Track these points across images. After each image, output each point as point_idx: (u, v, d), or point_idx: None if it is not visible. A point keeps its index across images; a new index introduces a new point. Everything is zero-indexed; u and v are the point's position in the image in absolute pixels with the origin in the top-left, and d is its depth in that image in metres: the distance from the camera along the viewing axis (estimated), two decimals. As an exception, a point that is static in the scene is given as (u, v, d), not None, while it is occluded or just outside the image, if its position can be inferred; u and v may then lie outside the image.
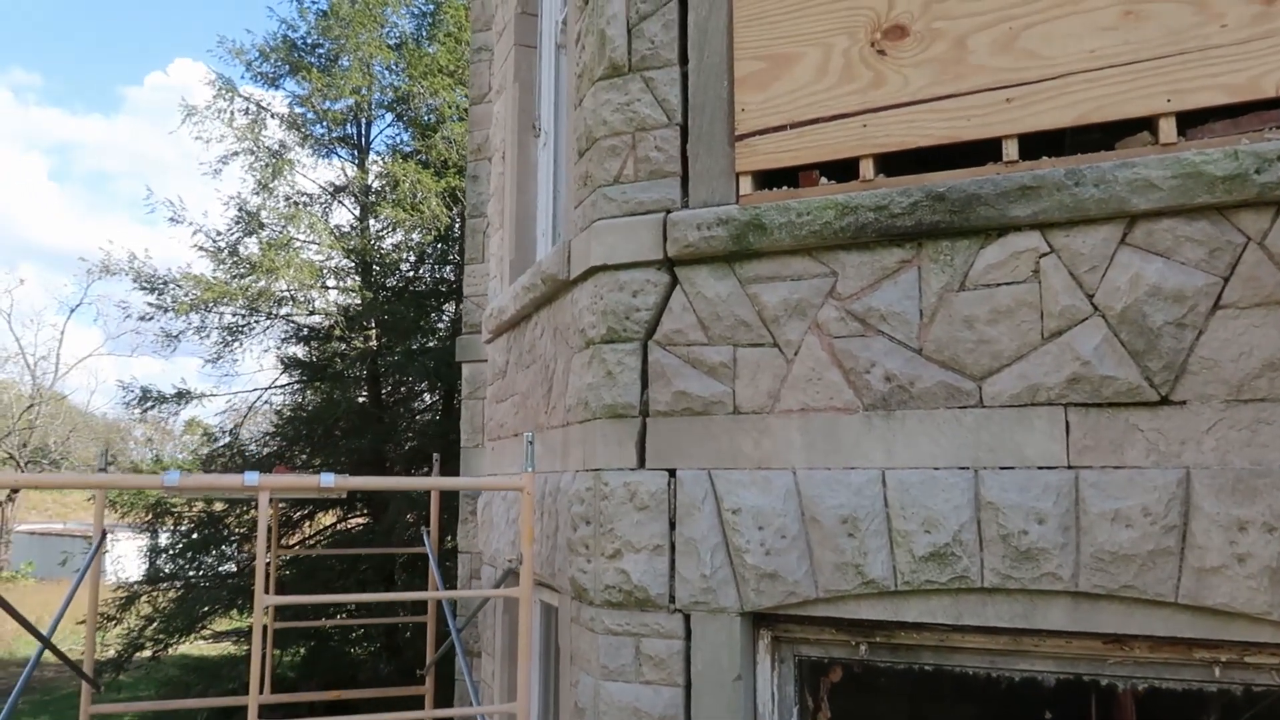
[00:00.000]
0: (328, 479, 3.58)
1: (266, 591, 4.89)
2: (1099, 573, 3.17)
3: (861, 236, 3.58)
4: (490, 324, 5.98)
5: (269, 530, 6.42)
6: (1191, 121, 3.28)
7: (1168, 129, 3.26)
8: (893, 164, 3.69)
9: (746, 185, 3.86)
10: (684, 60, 4.03)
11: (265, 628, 6.29)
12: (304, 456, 19.70)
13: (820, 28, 3.78)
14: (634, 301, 3.95)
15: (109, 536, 8.60)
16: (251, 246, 19.17)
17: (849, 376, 3.59)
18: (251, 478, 3.46)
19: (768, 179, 3.87)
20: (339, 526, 19.01)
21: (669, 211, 3.95)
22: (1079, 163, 3.34)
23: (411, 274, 20.64)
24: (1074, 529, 3.22)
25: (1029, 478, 3.29)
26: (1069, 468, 3.26)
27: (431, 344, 20.56)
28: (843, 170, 3.76)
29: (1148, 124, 3.32)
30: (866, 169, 3.67)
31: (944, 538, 3.36)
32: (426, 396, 20.65)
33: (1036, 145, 3.48)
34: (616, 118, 4.08)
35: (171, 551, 16.61)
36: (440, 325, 20.36)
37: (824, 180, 3.78)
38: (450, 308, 20.43)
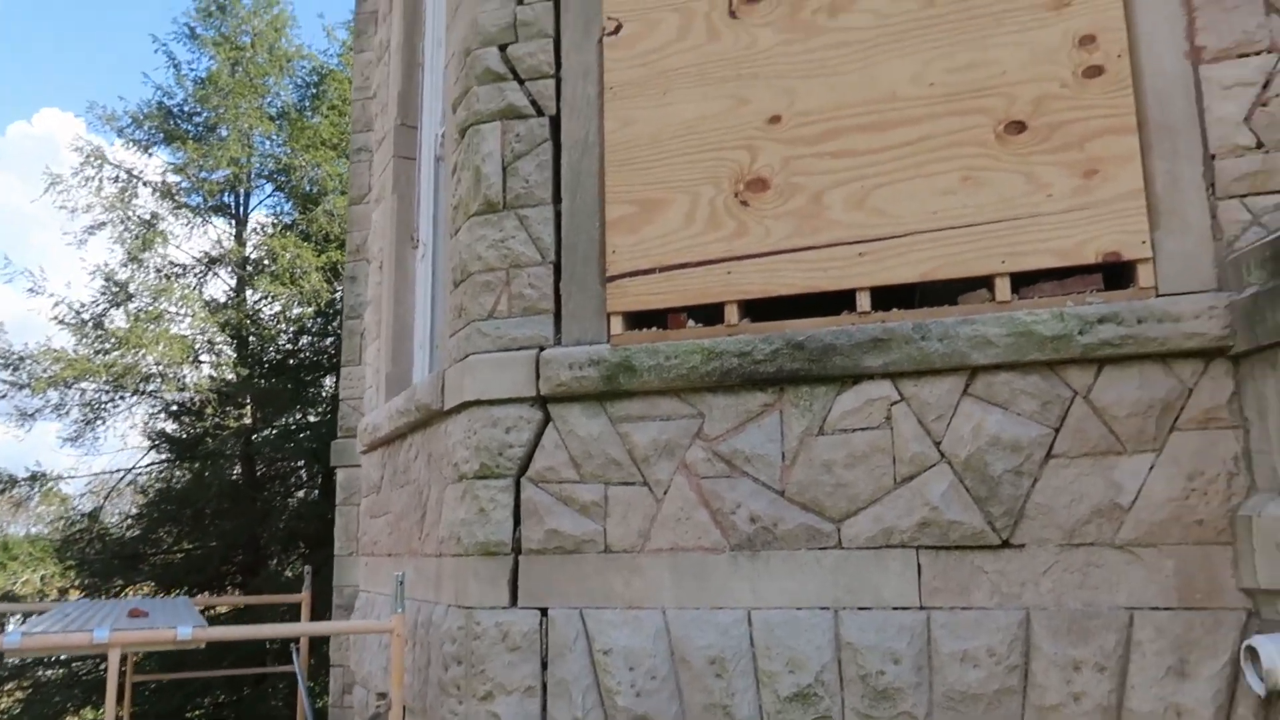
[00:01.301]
0: (185, 631, 3.44)
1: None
2: (950, 711, 3.32)
3: (727, 380, 3.71)
4: (365, 438, 5.89)
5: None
6: (1025, 281, 3.55)
7: (1003, 288, 3.52)
8: (757, 309, 3.85)
9: (618, 325, 3.95)
10: (558, 199, 4.14)
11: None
12: (170, 539, 18.74)
13: (688, 176, 3.95)
14: (507, 438, 3.97)
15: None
16: (118, 319, 18.35)
17: (716, 517, 3.69)
18: (101, 634, 3.30)
19: (638, 319, 3.98)
20: (208, 614, 18.06)
21: (542, 348, 4.01)
22: (926, 317, 3.57)
23: (290, 347, 20.08)
24: (927, 669, 3.36)
25: (885, 618, 3.43)
26: (921, 608, 3.41)
27: (313, 417, 19.97)
28: (710, 313, 3.90)
29: (987, 282, 3.57)
30: (731, 314, 3.82)
31: (807, 678, 3.45)
32: (304, 473, 19.94)
33: (889, 297, 3.70)
34: (491, 254, 4.14)
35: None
36: (321, 398, 19.83)
37: (692, 322, 3.91)
38: (331, 381, 19.94)
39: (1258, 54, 3.36)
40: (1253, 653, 2.95)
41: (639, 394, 3.84)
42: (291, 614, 14.77)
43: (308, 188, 19.55)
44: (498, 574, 3.90)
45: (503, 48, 4.30)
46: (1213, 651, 3.12)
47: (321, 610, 8.10)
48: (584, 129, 4.13)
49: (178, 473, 19.56)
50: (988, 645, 3.31)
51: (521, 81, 4.25)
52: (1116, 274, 3.48)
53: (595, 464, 3.86)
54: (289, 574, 19.20)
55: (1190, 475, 3.23)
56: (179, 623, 3.80)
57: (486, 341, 4.09)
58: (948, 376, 3.50)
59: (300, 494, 19.66)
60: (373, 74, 7.12)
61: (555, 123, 4.19)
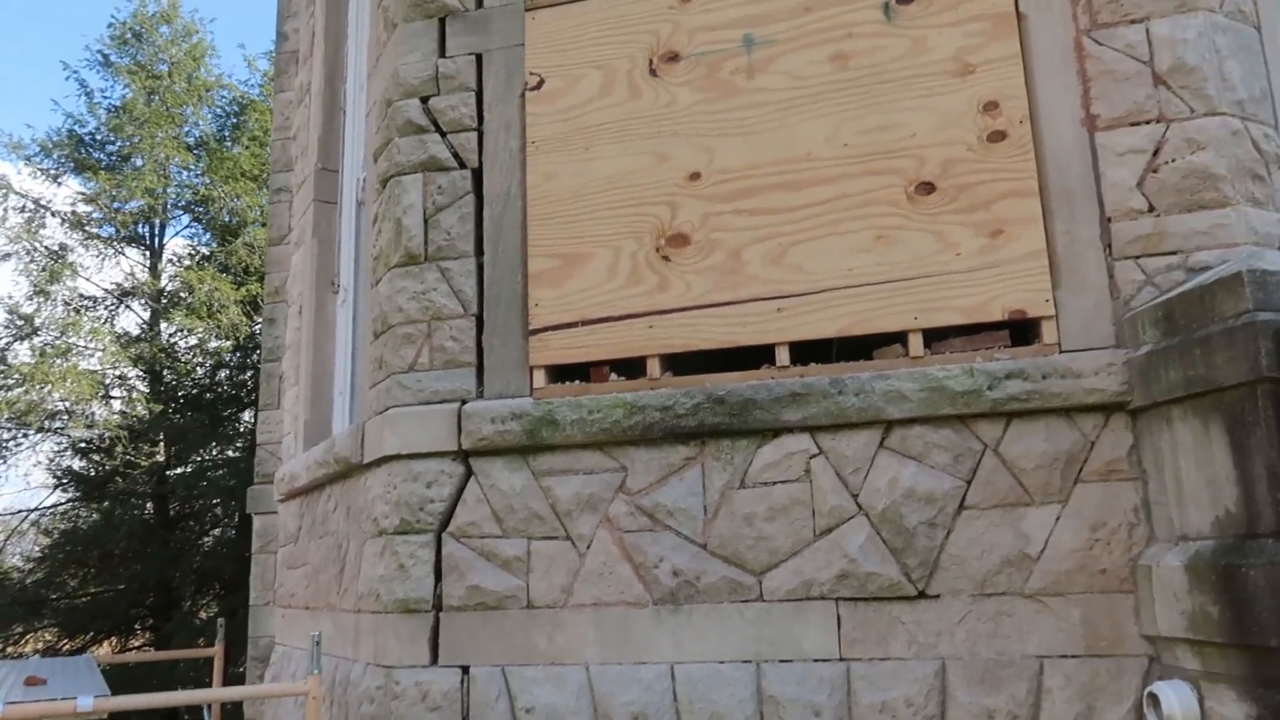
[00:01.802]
0: (85, 702, 3.29)
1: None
2: (871, 763, 3.36)
3: (649, 434, 3.73)
4: (283, 488, 5.75)
5: None
6: (937, 336, 3.66)
7: (916, 344, 3.62)
8: (679, 362, 3.89)
9: (540, 378, 3.95)
10: (480, 252, 4.13)
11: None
12: (75, 582, 17.97)
13: (609, 230, 3.99)
14: (428, 492, 3.92)
15: None
16: (23, 354, 17.63)
17: (639, 571, 3.69)
18: (-7, 709, 3.14)
19: (561, 372, 3.99)
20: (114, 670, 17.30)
21: (464, 401, 3.98)
22: (843, 371, 3.65)
23: (207, 381, 19.53)
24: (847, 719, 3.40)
25: (806, 670, 3.47)
26: (841, 660, 3.46)
27: (231, 453, 19.39)
28: (633, 366, 3.92)
29: (901, 337, 3.67)
30: (654, 368, 3.85)
31: (730, 733, 3.47)
32: (219, 511, 19.29)
33: (807, 350, 3.77)
34: (413, 306, 4.11)
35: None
36: (239, 433, 19.28)
37: (615, 376, 3.93)
38: (249, 416, 19.41)
39: (1148, 123, 3.54)
40: (1154, 699, 3.06)
41: (562, 448, 3.84)
42: (205, 667, 14.25)
43: (227, 218, 19.14)
44: (418, 632, 3.84)
45: (424, 100, 4.30)
46: (1118, 698, 3.23)
47: (237, 660, 7.84)
48: (506, 182, 4.15)
49: (85, 512, 18.81)
50: (905, 695, 3.37)
51: (444, 134, 4.24)
52: (1022, 330, 3.61)
53: (518, 518, 3.84)
54: (203, 615, 18.56)
55: (1094, 526, 3.35)
56: (80, 689, 3.64)
57: (407, 395, 4.05)
58: (864, 430, 3.58)
59: (216, 533, 19.05)
60: (293, 114, 7.03)
61: (478, 175, 4.19)
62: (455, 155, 4.23)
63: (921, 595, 3.44)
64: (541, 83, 4.19)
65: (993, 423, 3.49)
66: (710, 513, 3.67)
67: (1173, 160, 3.49)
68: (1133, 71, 3.58)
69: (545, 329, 3.98)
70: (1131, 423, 3.38)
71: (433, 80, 4.31)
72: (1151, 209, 3.49)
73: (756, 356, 3.81)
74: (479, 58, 4.29)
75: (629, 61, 4.10)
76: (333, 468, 4.68)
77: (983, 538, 3.43)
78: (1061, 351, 3.48)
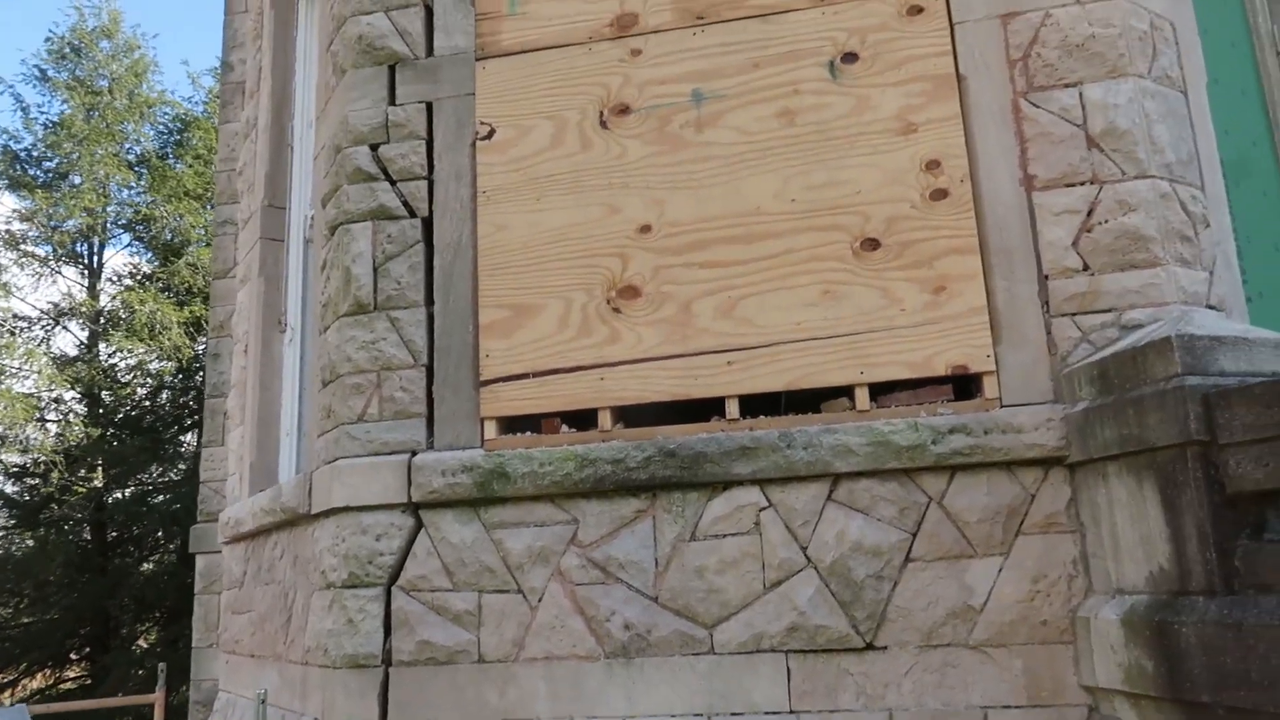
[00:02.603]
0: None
1: None
2: (820, 815, 3.40)
3: (601, 487, 3.75)
4: (227, 531, 5.66)
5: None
6: (882, 389, 3.74)
7: (863, 397, 3.69)
8: (630, 414, 3.92)
9: (491, 430, 3.95)
10: (430, 301, 4.12)
11: None
12: (8, 613, 17.42)
13: (560, 282, 4.00)
14: (377, 545, 3.89)
15: None
16: (-49, 378, 17.12)
17: (591, 624, 3.70)
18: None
19: (512, 423, 3.99)
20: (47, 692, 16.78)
21: (414, 453, 3.96)
22: (792, 424, 3.70)
23: (148, 403, 19.09)
24: (797, 773, 3.44)
25: (757, 724, 3.50)
26: (791, 712, 3.50)
27: (173, 476, 18.97)
28: (584, 418, 3.94)
29: (848, 391, 3.74)
30: (605, 420, 3.87)
31: (682, 787, 3.48)
32: (161, 536, 18.82)
33: (757, 401, 3.82)
34: (362, 355, 4.09)
35: None
36: (181, 455, 18.88)
37: (566, 427, 3.94)
38: (192, 438, 19.00)
39: (1082, 184, 3.67)
40: (1093, 750, 3.15)
41: (513, 500, 3.84)
42: (145, 716, 13.89)
43: (169, 238, 18.78)
44: (367, 687, 3.80)
45: (374, 147, 4.28)
46: (1058, 747, 3.32)
47: (178, 708, 7.64)
48: (457, 232, 4.15)
49: (18, 539, 18.26)
50: (853, 748, 3.42)
51: (394, 182, 4.23)
52: (965, 384, 3.70)
53: (469, 572, 3.82)
54: (142, 643, 18.08)
55: (1035, 578, 3.44)
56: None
57: (356, 446, 4.02)
58: (813, 483, 3.63)
59: (155, 559, 18.59)
60: (239, 147, 6.94)
61: (428, 224, 4.19)
62: (405, 204, 4.22)
63: (869, 647, 3.50)
64: (492, 132, 4.20)
65: (937, 476, 3.57)
66: (662, 565, 3.69)
67: (1105, 221, 3.61)
68: (1067, 134, 3.70)
69: (496, 380, 3.98)
70: (1070, 477, 3.48)
71: (382, 128, 4.30)
72: (1086, 268, 3.61)
73: (707, 408, 3.85)
74: (429, 106, 4.29)
75: (580, 113, 4.13)
76: (279, 516, 4.62)
77: (928, 590, 3.50)
78: (1002, 406, 3.58)
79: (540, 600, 3.76)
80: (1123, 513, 3.22)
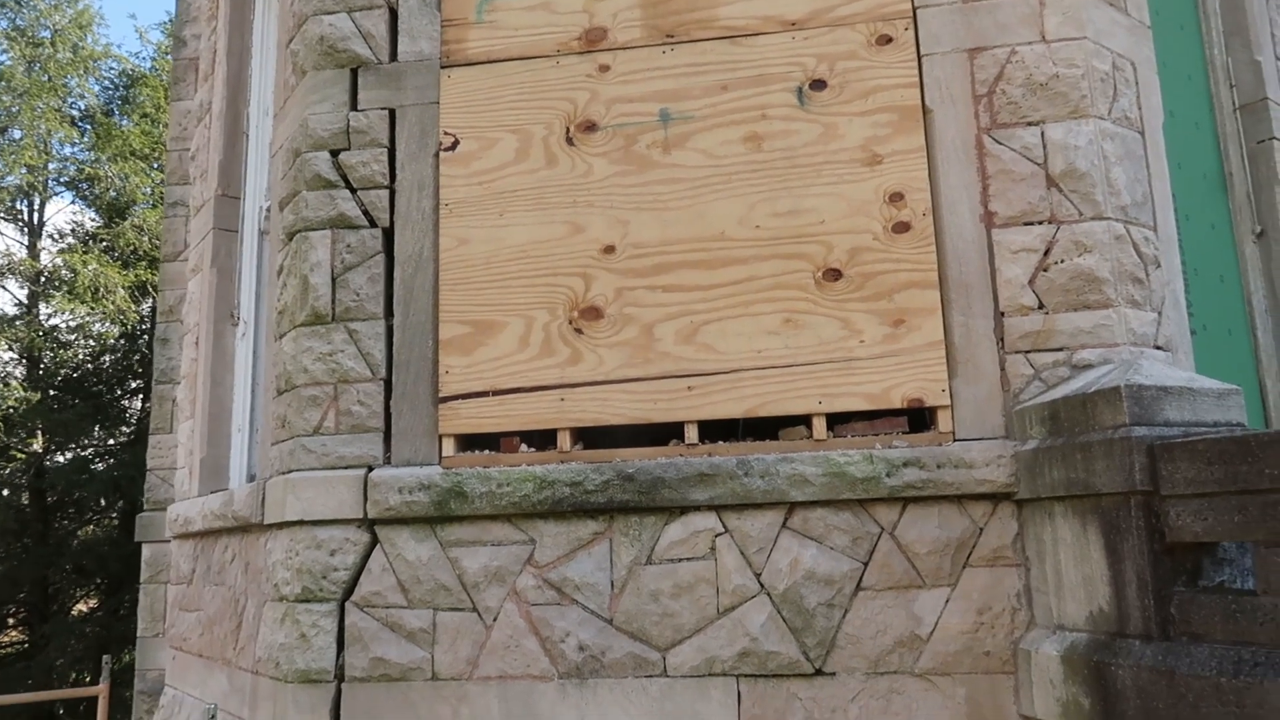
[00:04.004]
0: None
1: None
2: (766, 836, 3.49)
3: (559, 508, 3.76)
4: (176, 528, 5.58)
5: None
6: (839, 419, 3.79)
7: (820, 427, 3.74)
8: (590, 435, 3.93)
9: (450, 447, 3.94)
10: (390, 314, 4.08)
11: None
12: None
13: (523, 300, 3.98)
14: (332, 560, 3.87)
15: None
16: (-119, 339, 16.58)
17: (545, 645, 3.73)
18: None
19: (471, 440, 3.97)
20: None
21: (371, 468, 3.93)
22: (749, 451, 3.74)
23: (90, 365, 18.64)
24: (745, 795, 3.52)
25: (707, 746, 3.57)
26: (741, 735, 3.58)
27: (116, 440, 18.59)
28: (544, 437, 3.94)
29: (806, 419, 3.79)
30: (564, 441, 3.87)
31: (632, 808, 3.55)
32: (103, 500, 18.46)
33: (715, 426, 3.85)
34: (319, 367, 4.04)
35: None
36: (126, 420, 18.51)
37: (525, 447, 3.94)
38: (138, 404, 18.63)
39: (1040, 223, 3.73)
40: (1029, 780, 3.27)
41: (470, 519, 3.84)
42: (89, 709, 13.71)
43: (115, 198, 18.24)
44: (319, 703, 3.80)
45: (335, 153, 4.20)
46: (996, 774, 3.43)
47: (122, 698, 7.54)
48: (419, 244, 4.10)
49: (-48, 506, 17.83)
50: (800, 771, 3.51)
51: (354, 190, 4.16)
52: (920, 416, 3.76)
53: (424, 589, 3.83)
54: (82, 608, 17.80)
55: (980, 609, 3.54)
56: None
57: (312, 459, 3.98)
58: (769, 511, 3.69)
59: (96, 525, 18.26)
60: (192, 128, 6.75)
61: (389, 235, 4.13)
62: (366, 213, 4.15)
63: (819, 673, 3.58)
64: (456, 143, 4.14)
65: (890, 507, 3.64)
66: (617, 588, 3.73)
67: (1062, 261, 3.68)
68: (1028, 173, 3.75)
69: (455, 397, 3.96)
70: (1018, 512, 3.57)
71: (343, 133, 4.21)
72: (1041, 306, 3.68)
73: (667, 431, 3.87)
74: (392, 113, 4.21)
75: (545, 128, 4.09)
76: (231, 523, 4.57)
77: (877, 618, 3.59)
78: (956, 440, 3.65)
79: (495, 619, 3.78)
80: (1067, 552, 3.32)
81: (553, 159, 4.06)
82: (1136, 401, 3.13)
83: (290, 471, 4.00)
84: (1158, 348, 3.74)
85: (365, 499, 3.88)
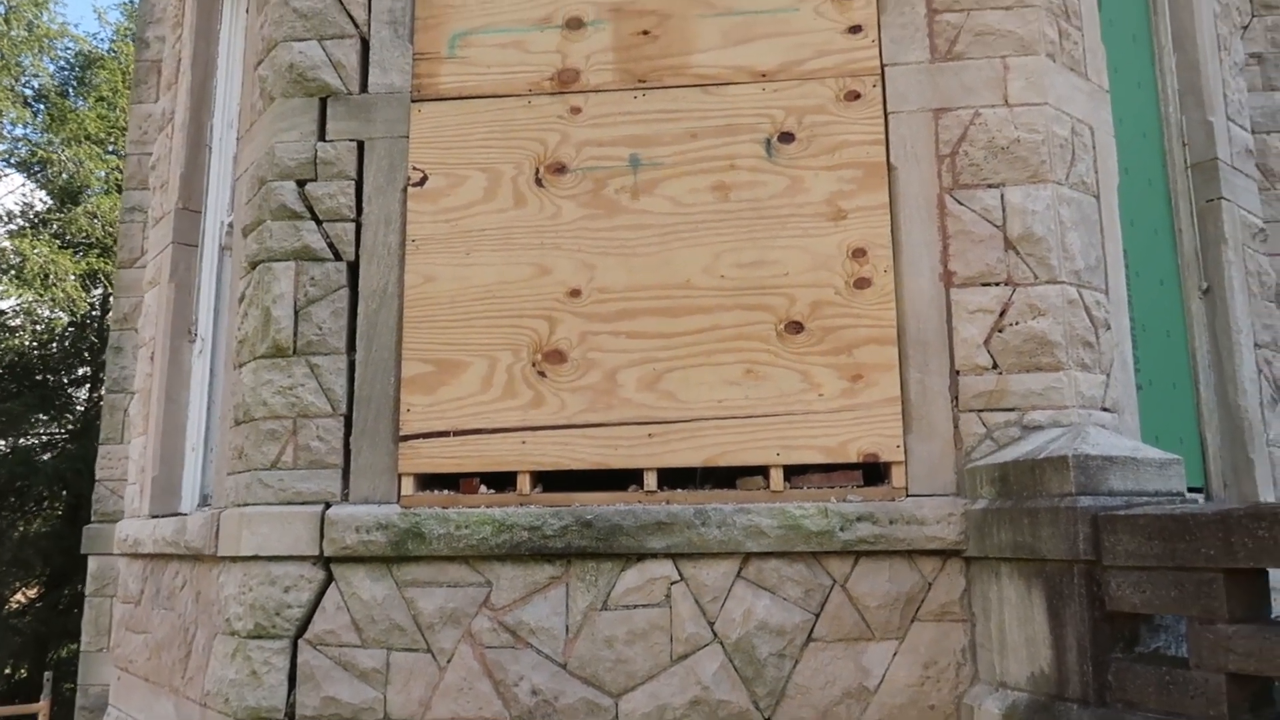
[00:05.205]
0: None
1: None
2: None
3: (516, 552, 3.78)
4: (125, 547, 5.50)
5: None
6: (797, 470, 3.85)
7: (778, 478, 3.80)
8: (550, 478, 3.95)
9: (409, 486, 3.93)
10: (352, 349, 4.06)
11: None
12: None
13: (487, 340, 3.99)
14: (285, 597, 3.85)
15: None
16: None
17: (499, 688, 3.75)
18: None
19: (430, 480, 3.97)
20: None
21: (328, 504, 3.92)
22: (707, 500, 3.79)
23: (37, 354, 18.21)
24: (692, 841, 3.57)
25: (656, 792, 3.61)
26: (690, 782, 3.62)
27: (59, 429, 18.19)
28: (504, 479, 3.95)
29: (763, 470, 3.84)
30: (524, 484, 3.89)
31: None
32: (45, 492, 18.04)
33: (674, 473, 3.89)
34: (278, 401, 4.01)
35: None
36: (72, 409, 18.11)
37: (485, 488, 3.95)
38: (85, 394, 18.25)
39: (997, 285, 3.82)
40: (968, 834, 3.35)
41: (427, 559, 3.84)
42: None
43: (66, 179, 17.80)
44: (269, 741, 3.78)
45: (301, 184, 4.17)
46: (937, 826, 3.52)
47: (62, 697, 7.40)
48: (383, 279, 4.08)
49: (-115, 494, 17.32)
50: (747, 819, 3.56)
51: (320, 222, 4.14)
52: (874, 471, 3.84)
53: (378, 629, 3.82)
54: (20, 598, 17.39)
55: (926, 663, 3.62)
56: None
57: (269, 493, 3.95)
58: (724, 560, 3.74)
59: (39, 518, 17.87)
60: (153, 132, 6.64)
61: (354, 269, 4.11)
62: (331, 246, 4.13)
63: (767, 722, 3.64)
64: (425, 179, 4.13)
65: (843, 560, 3.71)
66: (572, 633, 3.75)
67: (1016, 323, 3.78)
68: (987, 234, 3.84)
69: (416, 436, 3.95)
70: (966, 568, 3.66)
71: (310, 164, 4.18)
72: (995, 366, 3.77)
73: (625, 476, 3.91)
74: (361, 145, 4.19)
75: (515, 168, 4.10)
76: (183, 551, 4.52)
77: (826, 669, 3.66)
78: (908, 495, 3.73)
79: (450, 661, 3.78)
80: (1012, 612, 3.41)
81: (521, 199, 4.07)
82: (1083, 471, 3.22)
83: (246, 505, 3.98)
84: (1105, 409, 3.85)
85: (322, 536, 3.86)
